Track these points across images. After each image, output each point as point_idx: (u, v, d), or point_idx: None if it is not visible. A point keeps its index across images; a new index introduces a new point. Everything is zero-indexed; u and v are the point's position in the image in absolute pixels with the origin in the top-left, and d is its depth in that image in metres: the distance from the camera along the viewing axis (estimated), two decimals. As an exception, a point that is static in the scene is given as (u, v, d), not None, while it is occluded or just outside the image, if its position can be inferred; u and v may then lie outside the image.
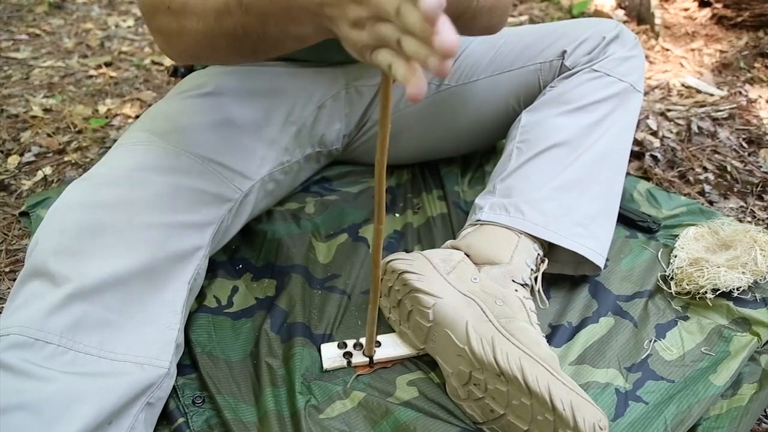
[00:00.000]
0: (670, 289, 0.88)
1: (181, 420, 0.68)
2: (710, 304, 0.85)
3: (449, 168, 1.15)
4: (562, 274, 0.89)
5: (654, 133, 1.30)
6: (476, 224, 0.86)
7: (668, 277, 0.91)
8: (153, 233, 0.69)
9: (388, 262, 0.80)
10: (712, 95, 1.44)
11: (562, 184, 0.86)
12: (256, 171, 0.87)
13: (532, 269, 0.81)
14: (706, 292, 0.85)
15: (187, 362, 0.76)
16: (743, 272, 0.85)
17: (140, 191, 0.71)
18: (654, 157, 1.23)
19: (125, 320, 0.64)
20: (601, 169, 0.88)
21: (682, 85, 1.50)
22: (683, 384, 0.75)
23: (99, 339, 0.62)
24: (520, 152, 0.91)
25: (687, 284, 0.86)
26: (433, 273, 0.77)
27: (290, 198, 1.05)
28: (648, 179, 1.17)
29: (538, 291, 0.81)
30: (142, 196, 0.71)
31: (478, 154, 1.20)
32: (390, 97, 0.50)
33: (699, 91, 1.47)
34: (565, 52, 0.96)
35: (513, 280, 0.78)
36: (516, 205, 0.85)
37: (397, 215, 1.05)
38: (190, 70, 1.04)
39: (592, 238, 0.85)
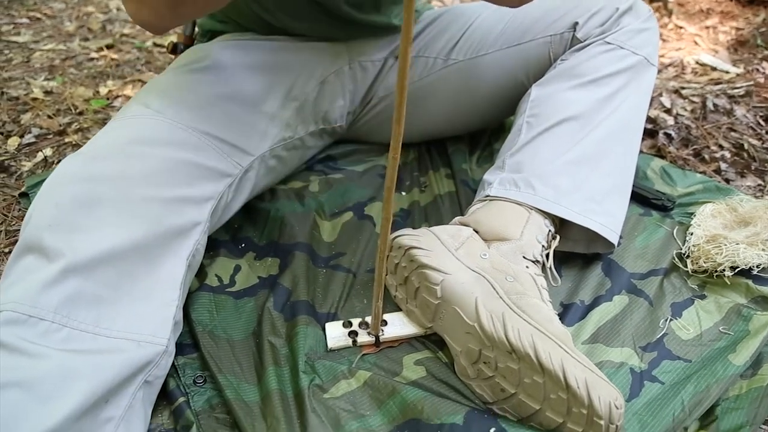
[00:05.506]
0: (686, 267, 0.85)
1: (181, 399, 0.66)
2: (728, 283, 0.82)
3: (457, 146, 1.12)
4: (574, 252, 0.86)
5: (668, 111, 1.27)
6: (485, 200, 0.83)
7: (684, 254, 0.88)
8: (150, 207, 0.67)
9: (395, 238, 0.77)
10: (727, 73, 1.40)
11: (573, 158, 0.83)
12: (256, 146, 0.85)
13: (543, 246, 0.79)
14: (724, 270, 0.82)
15: (188, 341, 0.74)
16: (763, 249, 0.82)
17: (137, 165, 0.69)
18: (668, 135, 1.19)
19: (121, 296, 0.62)
20: (614, 144, 0.85)
21: (697, 62, 1.46)
22: (701, 364, 0.72)
23: (94, 315, 0.60)
24: (530, 126, 0.88)
25: (704, 262, 0.83)
26: (441, 249, 0.74)
27: (294, 176, 1.03)
28: (662, 157, 1.14)
29: (550, 268, 0.78)
30: (138, 170, 0.68)
31: (487, 132, 1.17)
32: (408, 57, 0.46)
33: (714, 69, 1.43)
34: (576, 23, 0.93)
35: (524, 257, 0.76)
36: (526, 179, 0.82)
37: (403, 193, 1.02)
38: (189, 46, 1.02)
39: (605, 214, 0.82)
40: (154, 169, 0.70)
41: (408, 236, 0.76)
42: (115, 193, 0.66)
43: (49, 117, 1.32)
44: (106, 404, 0.57)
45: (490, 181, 0.85)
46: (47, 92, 1.44)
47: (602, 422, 0.58)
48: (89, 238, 0.62)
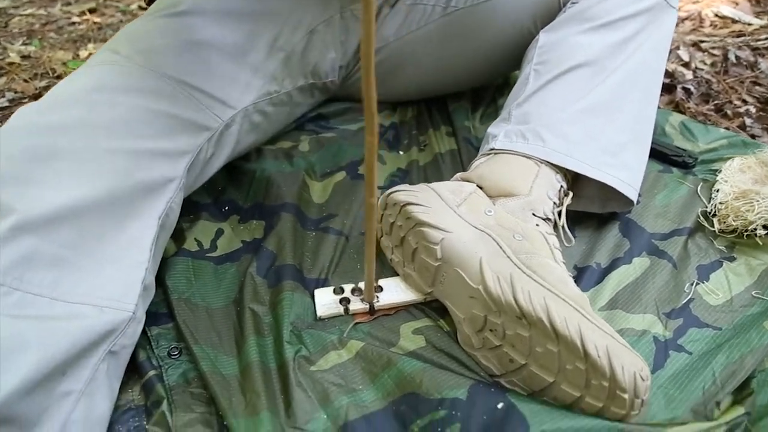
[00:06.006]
0: (712, 227, 0.78)
1: (152, 373, 0.59)
2: (760, 243, 0.75)
3: (458, 103, 1.04)
4: (588, 211, 0.79)
5: (686, 65, 1.18)
6: (489, 154, 0.75)
7: (710, 213, 0.80)
8: (116, 160, 0.60)
9: (389, 194, 0.69)
10: (750, 25, 1.31)
11: (586, 107, 0.75)
12: (238, 99, 0.77)
13: (554, 203, 0.71)
14: (755, 229, 0.74)
15: (164, 311, 0.67)
16: (799, 205, 0.74)
17: (102, 113, 0.62)
18: (686, 90, 1.10)
19: (83, 257, 0.55)
20: (631, 92, 0.77)
21: (716, 15, 1.37)
22: (732, 332, 0.65)
23: (52, 278, 0.52)
24: (538, 75, 0.79)
25: (733, 220, 0.76)
26: (441, 205, 0.66)
27: (282, 136, 0.95)
28: (680, 113, 1.05)
29: (562, 227, 0.70)
30: (104, 119, 0.61)
31: (491, 88, 1.09)
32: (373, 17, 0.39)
33: (735, 21, 1.34)
34: None
35: (533, 214, 0.68)
36: (535, 130, 0.74)
37: (401, 153, 0.94)
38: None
39: (623, 168, 0.74)
40: (122, 119, 0.62)
41: (404, 192, 0.68)
42: (76, 144, 0.58)
43: (25, 81, 1.25)
44: (63, 377, 0.51)
45: (495, 134, 0.77)
46: (24, 57, 1.36)
47: (626, 396, 0.51)
48: (46, 193, 0.55)
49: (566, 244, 0.70)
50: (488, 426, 0.53)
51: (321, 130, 0.98)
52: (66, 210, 0.55)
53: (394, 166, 0.91)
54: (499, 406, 0.54)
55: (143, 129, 0.64)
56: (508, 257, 0.60)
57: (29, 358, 0.48)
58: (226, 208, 0.82)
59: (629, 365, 0.51)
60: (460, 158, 0.91)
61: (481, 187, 0.71)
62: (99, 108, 0.62)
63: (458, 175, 0.75)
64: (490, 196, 0.70)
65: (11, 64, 1.32)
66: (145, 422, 0.57)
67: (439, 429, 0.53)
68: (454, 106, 1.03)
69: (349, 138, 0.95)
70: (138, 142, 0.62)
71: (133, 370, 0.61)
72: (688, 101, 1.08)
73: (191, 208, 0.80)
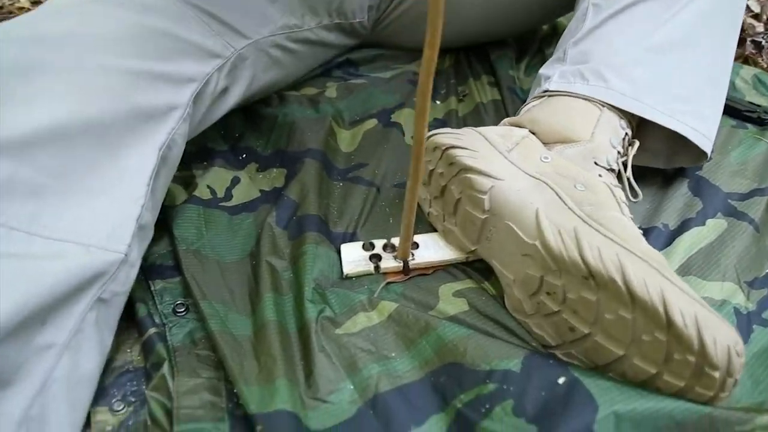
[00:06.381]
0: (797, 187, 0.68)
1: (152, 330, 0.51)
2: None
3: (501, 52, 0.93)
4: (650, 167, 0.69)
5: (756, 16, 1.06)
6: (542, 96, 0.66)
7: (794, 172, 0.69)
8: (111, 79, 0.52)
9: (429, 137, 0.60)
10: (825, -26, 1.17)
11: (655, 45, 0.64)
12: (253, 29, 0.69)
13: (619, 152, 0.61)
14: None
15: (170, 263, 0.59)
16: None
17: (97, 26, 0.54)
18: (757, 44, 0.99)
19: (69, 188, 0.47)
20: (707, 28, 0.66)
21: (786, -36, 1.24)
22: (828, 304, 0.55)
23: (30, 210, 0.44)
24: (598, 9, 0.69)
25: (824, 179, 0.65)
26: (490, 149, 0.57)
27: (307, 82, 0.86)
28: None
29: (628, 179, 0.61)
30: (98, 33, 0.53)
31: (537, 37, 0.99)
32: None
33: (808, -30, 1.21)
34: None
35: (595, 163, 0.58)
36: (596, 70, 0.64)
37: (438, 102, 0.85)
38: None
39: (696, 117, 0.64)
40: (120, 35, 0.54)
41: (447, 134, 0.59)
42: (65, 58, 0.50)
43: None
44: (42, 327, 0.43)
45: (548, 75, 0.67)
46: (35, 2, 1.28)
47: (717, 374, 0.42)
48: (25, 111, 0.47)
49: (632, 200, 0.61)
50: (547, 404, 0.44)
51: (349, 77, 0.89)
52: (49, 132, 0.47)
53: (431, 116, 0.82)
54: (560, 380, 0.45)
55: (143, 47, 0.55)
56: (570, 209, 0.51)
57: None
58: (244, 155, 0.74)
59: (723, 338, 0.42)
60: (505, 109, 0.82)
61: (533, 133, 0.62)
62: (94, 20, 0.54)
63: (506, 120, 0.66)
64: (544, 143, 0.61)
65: (21, 9, 1.24)
66: (144, 386, 0.49)
67: (487, 405, 0.45)
68: (497, 54, 0.93)
69: (381, 85, 0.86)
70: (137, 62, 0.54)
71: (133, 328, 0.54)
72: (759, 56, 0.97)
73: (204, 154, 0.72)
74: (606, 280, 0.45)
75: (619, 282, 0.44)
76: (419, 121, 0.44)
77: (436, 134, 0.60)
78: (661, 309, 0.43)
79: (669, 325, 0.43)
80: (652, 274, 0.44)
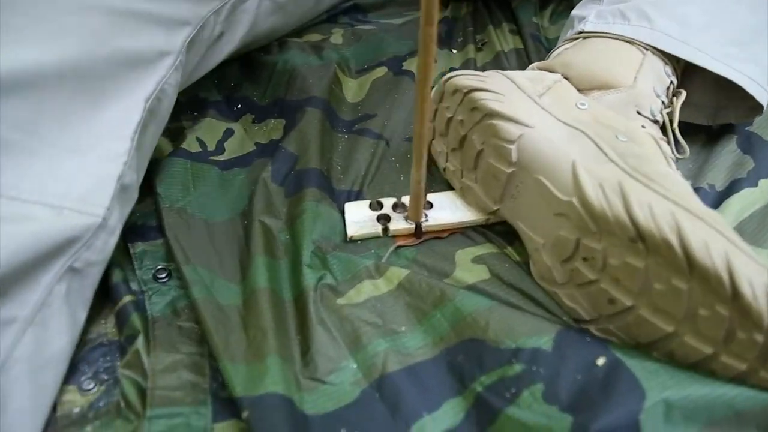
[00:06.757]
0: None
1: (127, 299, 0.45)
2: None
3: (523, -1, 0.85)
4: (691, 123, 0.61)
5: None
6: (577, 38, 0.58)
7: None
8: (92, 18, 0.45)
9: (448, 79, 0.52)
10: None
11: None
12: None
13: (663, 102, 0.54)
14: None
15: (152, 223, 0.53)
16: None
17: None
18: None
19: (38, 142, 0.41)
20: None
21: None
22: None
23: None
24: None
25: None
26: (518, 94, 0.50)
27: (310, 28, 0.78)
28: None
29: (673, 131, 0.53)
30: None
31: (564, -19, 0.90)
32: None
33: None
34: None
35: (638, 112, 0.51)
36: (639, 8, 0.56)
37: (454, 51, 0.77)
38: None
39: (752, 63, 0.56)
40: None
41: (468, 76, 0.51)
42: None
43: None
44: (1, 299, 0.37)
45: (583, 16, 0.60)
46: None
47: (791, 357, 0.35)
48: None
49: (679, 156, 0.53)
50: (584, 389, 0.38)
51: (357, 23, 0.81)
52: (16, 78, 0.41)
53: (447, 66, 0.74)
54: (600, 362, 0.39)
55: None
56: (613, 161, 0.44)
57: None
58: (239, 106, 0.66)
59: (800, 315, 0.35)
60: (528, 58, 0.74)
61: (566, 78, 0.54)
62: None
63: (534, 64, 0.58)
64: (579, 90, 0.53)
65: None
66: (118, 362, 0.43)
67: (513, 389, 0.38)
68: (518, 1, 0.85)
69: (393, 31, 0.78)
70: (122, 0, 0.47)
71: (108, 297, 0.47)
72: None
73: (196, 105, 0.65)
74: (658, 242, 0.38)
75: (675, 245, 0.37)
76: (425, 52, 0.36)
77: (455, 76, 0.52)
78: (725, 278, 0.36)
79: (734, 297, 0.36)
80: (714, 236, 0.37)
